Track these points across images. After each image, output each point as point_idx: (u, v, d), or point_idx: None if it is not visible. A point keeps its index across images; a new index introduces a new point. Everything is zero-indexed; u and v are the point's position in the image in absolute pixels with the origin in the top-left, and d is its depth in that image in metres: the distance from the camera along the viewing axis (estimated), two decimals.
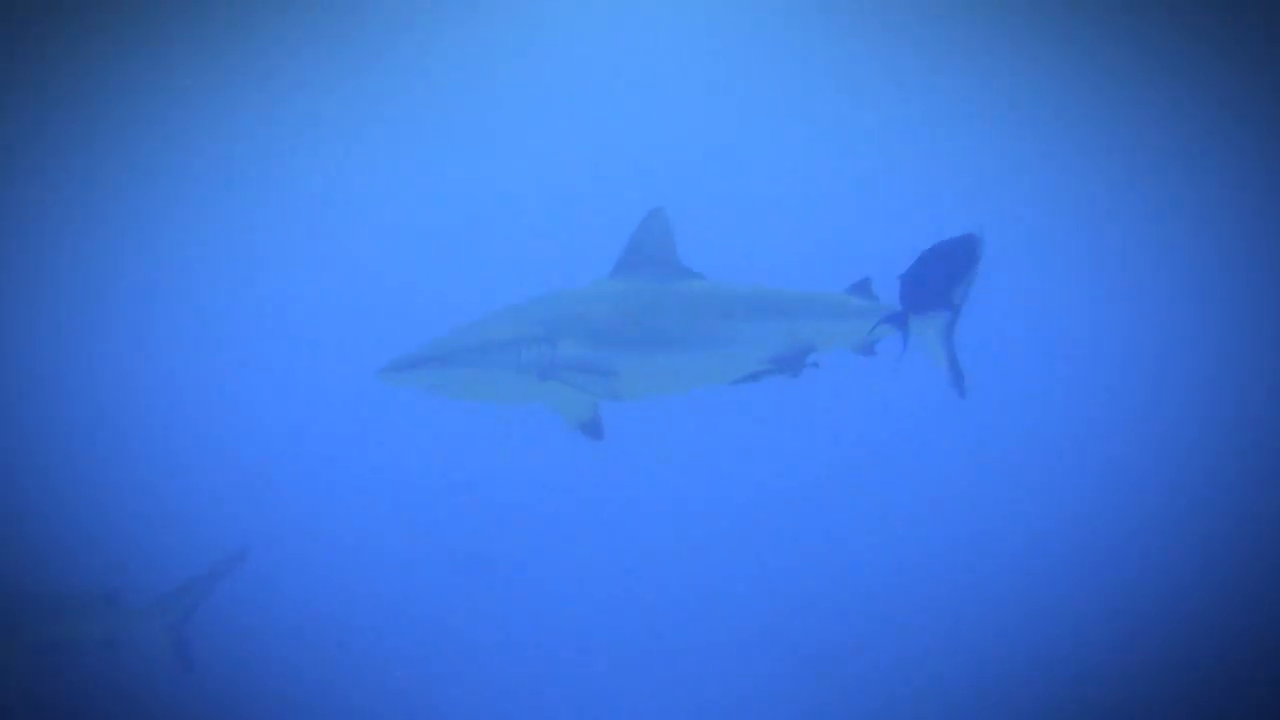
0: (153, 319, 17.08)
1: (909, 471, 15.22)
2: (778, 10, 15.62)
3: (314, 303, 18.08)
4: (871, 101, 16.98)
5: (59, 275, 16.29)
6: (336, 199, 18.43)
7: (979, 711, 11.47)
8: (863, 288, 7.00)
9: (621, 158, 18.02)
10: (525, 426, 6.99)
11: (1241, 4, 12.03)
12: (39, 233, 15.72)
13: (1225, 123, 13.97)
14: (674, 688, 12.05)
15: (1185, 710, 10.36)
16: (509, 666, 12.49)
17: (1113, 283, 16.41)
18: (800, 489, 14.99)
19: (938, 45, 15.13)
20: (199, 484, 14.74)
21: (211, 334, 17.49)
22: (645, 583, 13.63)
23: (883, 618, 12.60)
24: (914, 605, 12.81)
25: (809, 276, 7.42)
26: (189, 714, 10.60)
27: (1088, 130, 15.55)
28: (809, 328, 6.68)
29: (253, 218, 17.59)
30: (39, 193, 15.16)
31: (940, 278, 5.46)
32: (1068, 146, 15.96)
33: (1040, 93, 15.33)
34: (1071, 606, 12.46)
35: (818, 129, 18.00)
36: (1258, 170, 14.19)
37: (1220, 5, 12.13)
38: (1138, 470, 14.42)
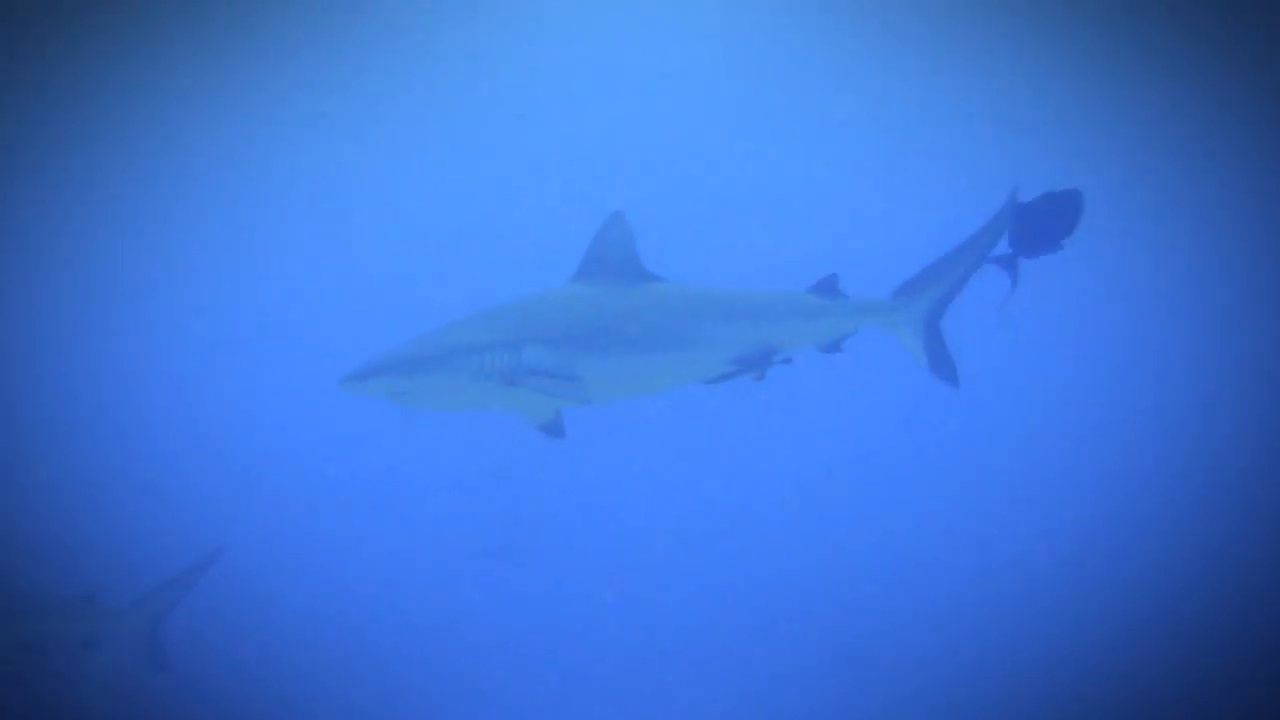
0: (153, 317, 17.01)
1: (911, 470, 15.20)
2: (758, 10, 15.68)
3: (310, 299, 18.05)
4: (854, 100, 16.93)
5: (55, 274, 16.23)
6: (330, 198, 18.36)
7: (979, 710, 11.50)
8: (827, 286, 6.84)
9: (593, 159, 17.99)
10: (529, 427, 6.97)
11: (1242, 4, 12.02)
12: (36, 233, 15.68)
13: (1225, 122, 13.95)
14: (679, 687, 12.06)
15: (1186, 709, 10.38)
16: (515, 665, 12.50)
17: (1112, 282, 16.38)
18: (804, 489, 14.96)
19: (925, 43, 15.12)
20: (195, 482, 14.73)
21: (210, 332, 17.44)
22: (650, 582, 13.63)
23: (888, 618, 12.59)
24: (918, 605, 12.82)
25: (784, 274, 7.38)
26: (189, 713, 10.61)
27: (1078, 129, 15.50)
28: (772, 328, 6.57)
29: (242, 217, 17.48)
30: (37, 192, 15.12)
31: (1051, 226, 5.94)
32: (1062, 145, 15.92)
33: (1035, 90, 15.29)
34: (1073, 606, 12.48)
35: (797, 128, 17.93)
36: (1258, 170, 14.17)
37: (1220, 5, 12.11)
38: (1139, 469, 14.40)
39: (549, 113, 18.30)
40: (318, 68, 15.46)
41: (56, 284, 16.34)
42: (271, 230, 18.00)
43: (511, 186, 18.75)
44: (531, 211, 18.31)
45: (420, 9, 15.10)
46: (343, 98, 16.47)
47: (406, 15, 15.06)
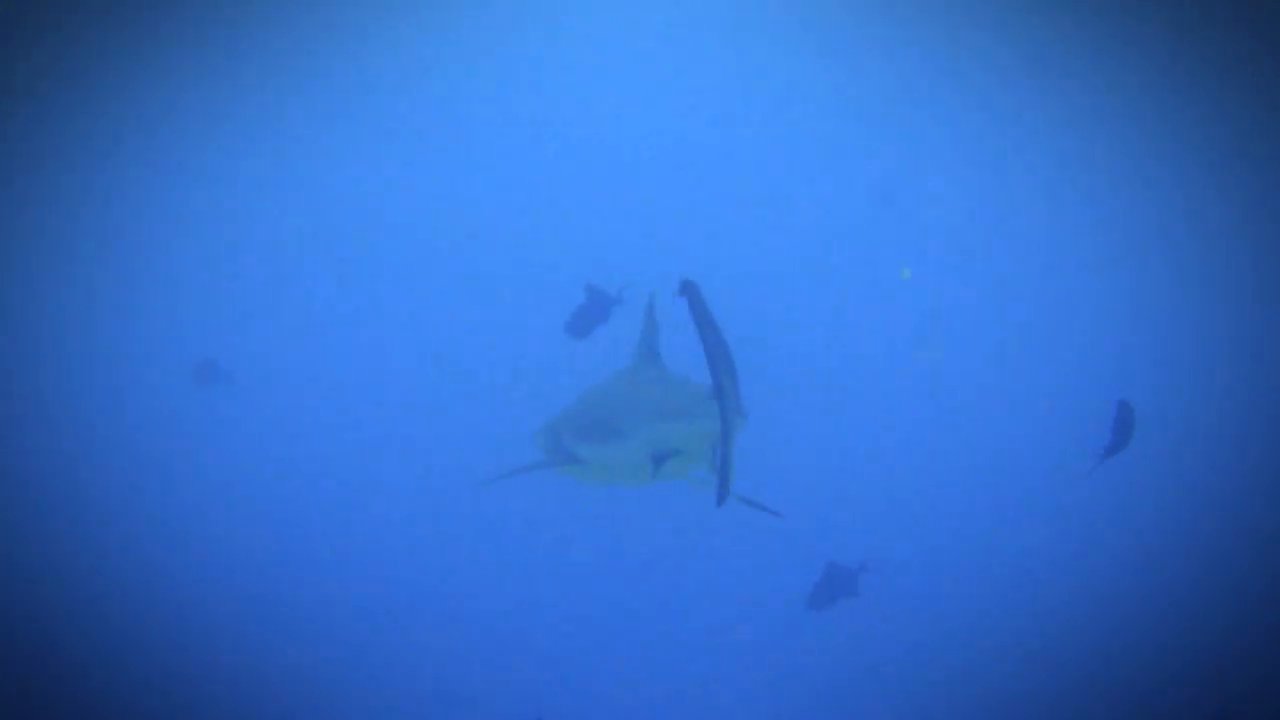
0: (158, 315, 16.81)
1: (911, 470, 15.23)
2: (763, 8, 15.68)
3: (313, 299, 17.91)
4: (867, 97, 16.86)
5: (52, 274, 16.02)
6: (323, 197, 18.14)
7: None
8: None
9: (602, 157, 17.91)
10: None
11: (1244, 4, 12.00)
12: (33, 232, 15.48)
13: (1224, 124, 13.90)
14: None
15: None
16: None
17: (1114, 283, 16.36)
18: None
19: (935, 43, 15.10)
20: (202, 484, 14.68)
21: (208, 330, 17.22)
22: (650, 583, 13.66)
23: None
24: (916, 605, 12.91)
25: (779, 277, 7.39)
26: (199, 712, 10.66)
27: (1081, 132, 15.45)
28: (672, 427, 6.46)
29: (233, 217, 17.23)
30: (33, 192, 14.95)
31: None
32: (1064, 147, 15.87)
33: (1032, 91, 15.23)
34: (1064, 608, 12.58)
35: (804, 125, 17.83)
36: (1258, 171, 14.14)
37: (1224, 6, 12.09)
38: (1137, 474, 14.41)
39: (545, 110, 18.18)
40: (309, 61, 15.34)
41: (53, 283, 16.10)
42: (263, 229, 17.70)
43: (509, 186, 18.60)
44: (530, 213, 18.15)
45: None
46: (333, 94, 16.33)
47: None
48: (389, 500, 14.75)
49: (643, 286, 7.16)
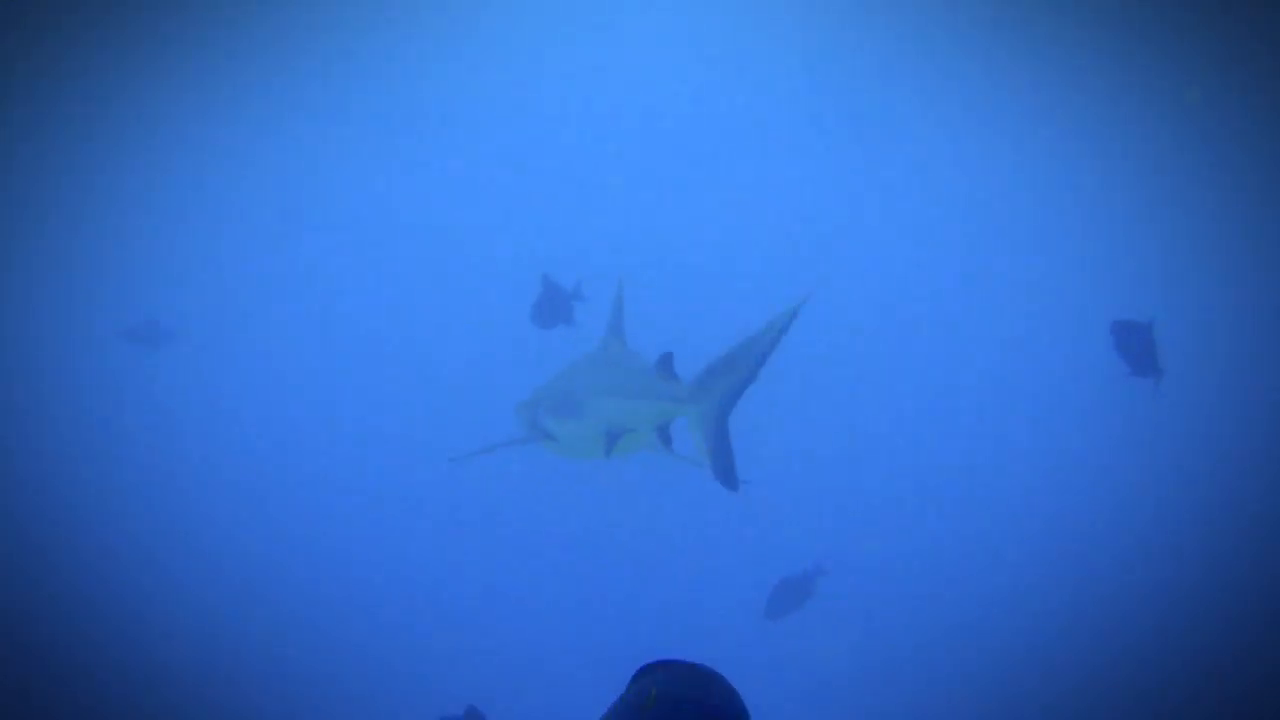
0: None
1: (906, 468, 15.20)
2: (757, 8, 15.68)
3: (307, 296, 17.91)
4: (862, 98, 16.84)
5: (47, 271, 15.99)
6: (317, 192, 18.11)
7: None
8: (664, 364, 6.43)
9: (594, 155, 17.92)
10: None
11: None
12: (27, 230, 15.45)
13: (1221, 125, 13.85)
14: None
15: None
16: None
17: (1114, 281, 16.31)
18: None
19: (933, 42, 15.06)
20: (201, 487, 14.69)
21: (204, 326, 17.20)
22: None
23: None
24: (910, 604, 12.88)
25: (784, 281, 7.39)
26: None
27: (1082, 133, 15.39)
28: (617, 405, 6.71)
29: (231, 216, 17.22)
30: (30, 191, 14.92)
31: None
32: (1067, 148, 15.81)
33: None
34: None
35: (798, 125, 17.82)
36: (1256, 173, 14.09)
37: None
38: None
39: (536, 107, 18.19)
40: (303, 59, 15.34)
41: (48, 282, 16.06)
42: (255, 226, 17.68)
43: (506, 181, 18.57)
44: (525, 208, 18.13)
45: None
46: (328, 91, 16.34)
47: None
48: (367, 483, 14.81)
49: (613, 271, 7.34)
